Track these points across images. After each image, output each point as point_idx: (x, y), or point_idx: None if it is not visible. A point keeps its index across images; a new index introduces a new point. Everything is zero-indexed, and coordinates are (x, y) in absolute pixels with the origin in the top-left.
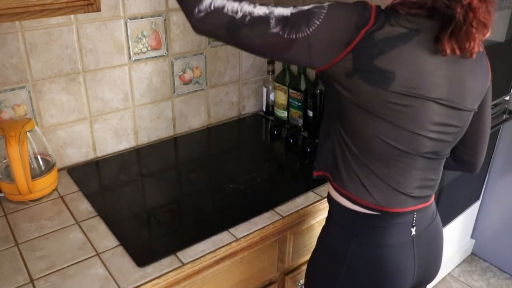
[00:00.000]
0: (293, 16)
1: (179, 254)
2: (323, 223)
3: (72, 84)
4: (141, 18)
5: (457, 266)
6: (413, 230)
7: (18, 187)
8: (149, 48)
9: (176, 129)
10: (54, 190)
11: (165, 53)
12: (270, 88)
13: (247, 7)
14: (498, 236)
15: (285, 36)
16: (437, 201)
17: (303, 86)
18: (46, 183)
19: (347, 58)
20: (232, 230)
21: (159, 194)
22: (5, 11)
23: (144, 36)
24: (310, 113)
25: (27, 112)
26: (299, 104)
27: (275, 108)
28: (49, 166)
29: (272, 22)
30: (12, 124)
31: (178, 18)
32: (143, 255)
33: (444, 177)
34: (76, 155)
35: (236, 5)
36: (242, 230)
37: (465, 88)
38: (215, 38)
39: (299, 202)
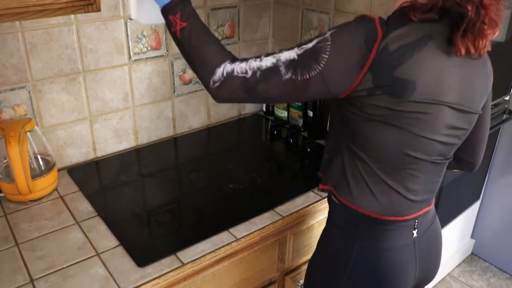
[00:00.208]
0: (300, 57)
1: (179, 254)
2: (323, 223)
3: (72, 84)
4: None
5: (457, 266)
6: (415, 233)
7: (18, 187)
8: (149, 48)
9: (176, 129)
10: (54, 190)
11: (165, 53)
12: None
13: (254, 63)
14: (498, 236)
15: (299, 78)
16: (437, 201)
17: None
18: (46, 183)
19: (366, 78)
20: (232, 230)
21: (159, 194)
22: (5, 11)
23: (144, 36)
24: (310, 113)
25: (27, 112)
26: (299, 104)
27: (275, 108)
28: (49, 166)
29: (282, 69)
30: (12, 124)
31: None
32: (143, 255)
33: (444, 177)
34: (76, 155)
35: (243, 65)
36: (242, 230)
37: (474, 91)
38: (238, 102)
39: (299, 202)
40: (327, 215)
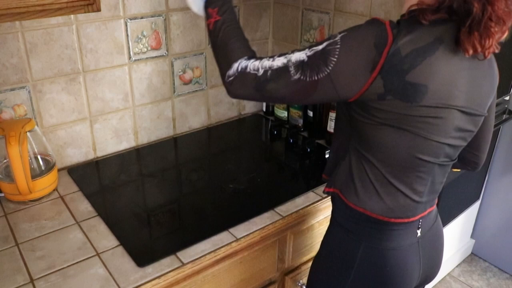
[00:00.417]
0: (310, 59)
1: (179, 254)
2: (323, 223)
3: (72, 84)
4: (141, 18)
5: (457, 266)
6: (419, 232)
7: (18, 187)
8: (149, 48)
9: (176, 129)
10: (54, 190)
11: (165, 53)
12: None
13: (266, 62)
14: (498, 236)
15: (308, 79)
16: (438, 201)
17: None
18: (46, 183)
19: (376, 82)
20: (232, 230)
21: (159, 194)
22: (5, 11)
23: (144, 36)
24: (310, 113)
25: (27, 112)
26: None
27: (275, 108)
28: (49, 166)
29: (292, 70)
30: (12, 124)
31: (178, 18)
32: (143, 255)
33: None
34: (76, 155)
35: (257, 63)
36: (242, 230)
37: (481, 93)
38: (249, 100)
39: (299, 202)
40: (327, 215)
